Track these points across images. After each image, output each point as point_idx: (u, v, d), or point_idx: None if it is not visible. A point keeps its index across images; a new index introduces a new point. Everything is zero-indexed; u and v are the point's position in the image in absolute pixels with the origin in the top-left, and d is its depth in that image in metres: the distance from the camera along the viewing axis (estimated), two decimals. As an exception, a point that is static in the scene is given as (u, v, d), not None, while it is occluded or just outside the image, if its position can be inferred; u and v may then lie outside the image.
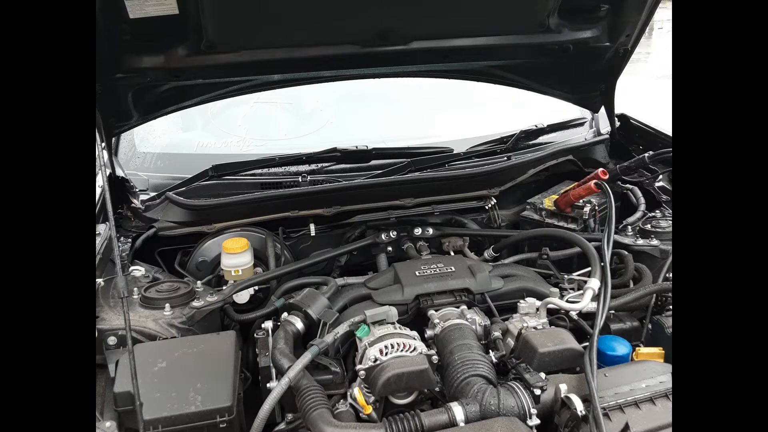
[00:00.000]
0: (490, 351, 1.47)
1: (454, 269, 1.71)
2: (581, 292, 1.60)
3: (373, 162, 2.20)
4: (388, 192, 2.05)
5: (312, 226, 2.05)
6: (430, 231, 2.05)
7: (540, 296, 1.66)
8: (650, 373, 1.36)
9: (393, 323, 1.50)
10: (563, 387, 1.27)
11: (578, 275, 1.77)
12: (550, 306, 1.56)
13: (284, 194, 2.01)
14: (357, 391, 1.33)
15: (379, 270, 1.91)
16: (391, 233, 2.04)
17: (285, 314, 1.56)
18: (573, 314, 1.56)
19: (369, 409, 1.31)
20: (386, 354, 1.37)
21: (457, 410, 1.25)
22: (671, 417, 1.22)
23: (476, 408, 1.25)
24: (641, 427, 1.20)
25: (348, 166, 2.20)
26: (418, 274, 1.69)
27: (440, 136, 2.40)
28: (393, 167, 2.12)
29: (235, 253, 1.86)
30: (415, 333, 1.49)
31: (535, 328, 1.48)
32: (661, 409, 1.24)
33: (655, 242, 1.84)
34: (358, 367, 1.38)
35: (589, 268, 1.63)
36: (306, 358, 1.33)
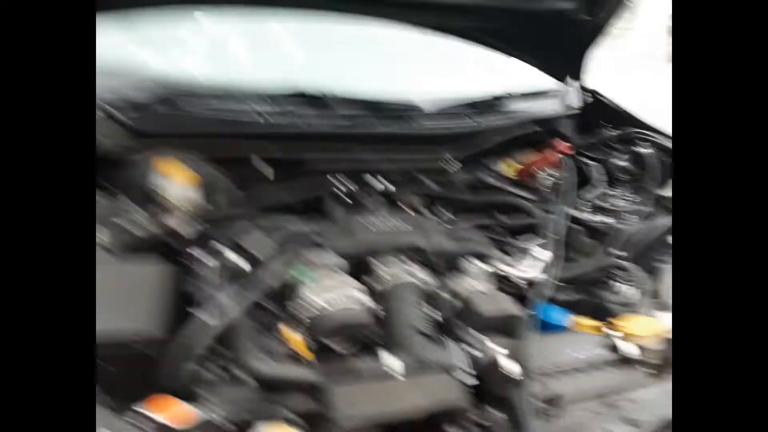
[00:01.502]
0: (435, 311, 1.46)
1: (407, 227, 1.68)
2: (531, 261, 1.61)
3: (338, 110, 2.13)
4: (349, 142, 2.00)
5: (266, 169, 1.98)
6: (388, 186, 2.01)
7: (490, 261, 1.66)
8: (586, 343, 1.38)
9: (339, 273, 1.48)
10: (501, 351, 1.27)
11: (531, 245, 1.77)
12: (499, 272, 1.56)
13: (240, 133, 1.93)
14: (298, 339, 1.30)
15: (331, 221, 1.87)
16: (347, 184, 1.99)
17: (225, 250, 1.51)
18: (520, 282, 1.56)
19: (311, 356, 1.29)
20: (331, 305, 1.35)
21: (395, 362, 1.24)
22: (603, 387, 1.25)
23: (415, 363, 1.25)
24: (572, 396, 1.22)
25: (311, 111, 2.12)
26: (370, 228, 1.66)
27: (409, 93, 2.34)
28: (357, 117, 2.06)
29: (181, 184, 1.78)
30: (361, 286, 1.47)
31: (481, 292, 1.49)
32: (592, 379, 1.26)
33: (610, 219, 1.85)
34: (301, 313, 1.35)
35: (543, 240, 1.64)
36: (243, 295, 1.30)
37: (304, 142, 1.93)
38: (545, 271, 1.55)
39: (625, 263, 1.60)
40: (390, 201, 2.01)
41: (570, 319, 1.53)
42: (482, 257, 1.68)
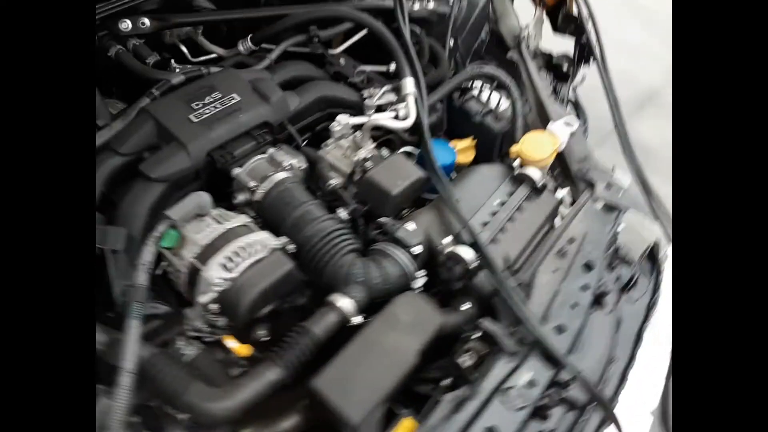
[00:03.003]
0: (339, 209, 1.19)
1: (237, 97, 1.24)
2: (393, 92, 1.37)
3: None
4: None
5: None
6: (146, 23, 1.38)
7: (346, 105, 1.38)
8: (490, 179, 1.31)
9: (210, 214, 1.07)
10: (445, 240, 1.14)
11: (371, 68, 1.49)
12: (372, 122, 1.31)
13: None
14: (231, 341, 0.97)
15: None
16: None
17: None
18: (400, 131, 1.34)
19: (250, 351, 0.99)
20: (233, 269, 1.00)
21: (344, 303, 1.02)
22: (538, 232, 1.23)
23: (361, 292, 1.05)
24: (515, 250, 1.19)
25: None
26: (195, 118, 1.18)
27: None
28: None
29: None
30: (243, 217, 1.10)
31: (368, 159, 1.25)
32: (523, 226, 1.23)
33: (431, 5, 1.61)
34: (204, 300, 0.98)
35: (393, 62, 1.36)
36: (133, 332, 0.87)
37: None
38: (418, 103, 1.33)
39: (492, 68, 1.45)
40: (153, 43, 1.41)
41: (453, 150, 1.41)
42: (333, 102, 1.38)
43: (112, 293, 0.97)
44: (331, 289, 1.06)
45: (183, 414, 0.88)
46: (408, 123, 1.29)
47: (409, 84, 1.32)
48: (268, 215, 1.14)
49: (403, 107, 1.32)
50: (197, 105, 1.20)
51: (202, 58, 1.47)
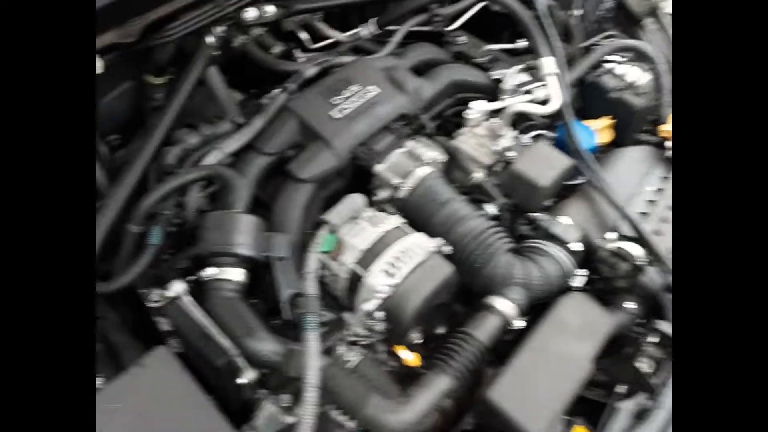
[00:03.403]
0: (486, 204, 1.14)
1: (375, 88, 1.19)
2: (529, 74, 1.29)
3: None
4: None
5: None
6: (269, 10, 1.34)
7: (477, 89, 1.31)
8: (639, 163, 1.22)
9: (364, 216, 1.05)
10: (608, 236, 1.08)
11: (500, 47, 1.41)
12: (511, 108, 1.24)
13: None
14: (408, 354, 0.96)
15: (213, 93, 1.20)
16: (217, 30, 1.29)
17: (210, 270, 0.95)
18: (540, 117, 1.26)
19: (419, 361, 0.97)
20: (395, 275, 0.97)
21: (505, 306, 0.99)
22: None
23: (521, 295, 1.01)
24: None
25: None
26: (336, 114, 1.14)
27: None
28: None
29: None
30: (396, 218, 1.06)
31: (509, 149, 1.19)
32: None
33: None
34: (369, 308, 0.96)
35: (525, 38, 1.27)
36: (313, 344, 0.87)
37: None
38: (561, 85, 1.24)
39: (634, 40, 1.34)
40: (276, 32, 1.38)
41: (592, 131, 1.32)
42: (466, 86, 1.32)
43: (279, 300, 0.96)
44: (486, 290, 1.03)
45: (357, 423, 0.88)
46: (552, 108, 1.21)
47: (550, 64, 1.24)
48: (414, 213, 1.11)
49: (542, 89, 1.24)
50: (337, 100, 1.16)
51: (320, 44, 1.44)
